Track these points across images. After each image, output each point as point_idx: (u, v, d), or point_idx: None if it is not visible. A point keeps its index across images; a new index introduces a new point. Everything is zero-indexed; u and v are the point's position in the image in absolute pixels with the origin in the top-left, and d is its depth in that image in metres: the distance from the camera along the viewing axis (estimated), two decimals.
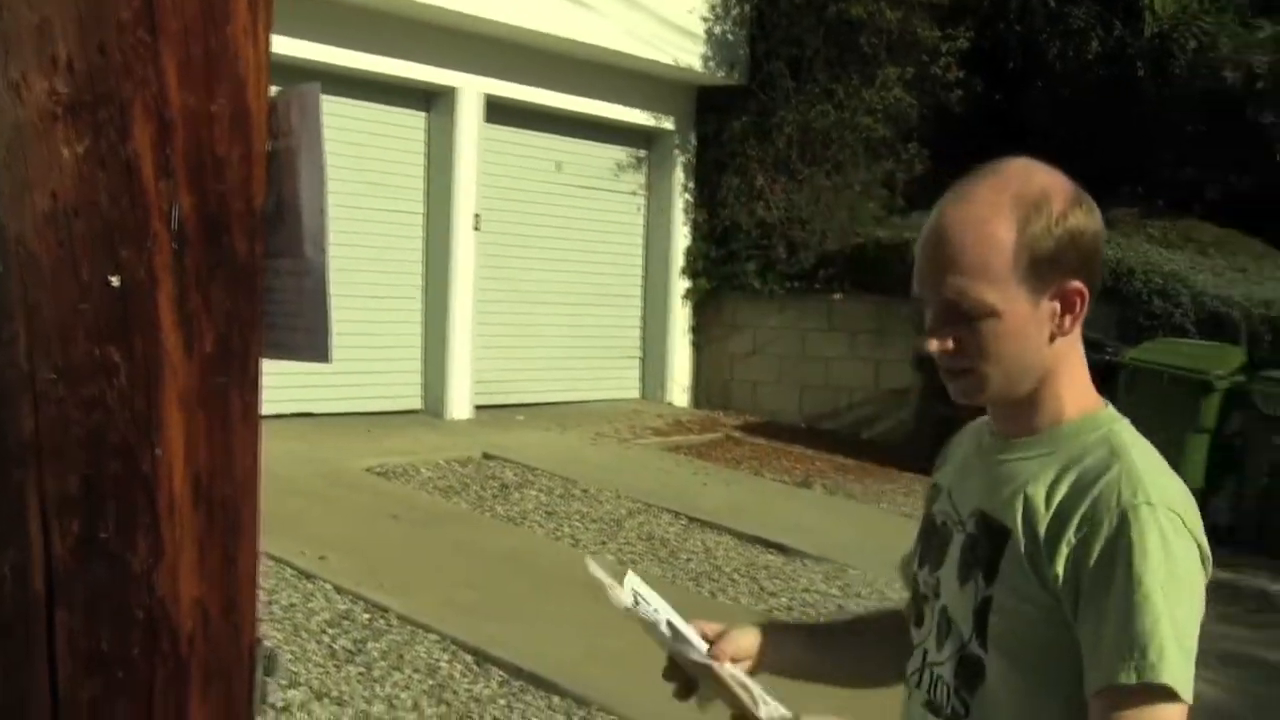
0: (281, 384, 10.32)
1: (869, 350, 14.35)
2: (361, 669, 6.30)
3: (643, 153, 15.37)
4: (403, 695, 6.07)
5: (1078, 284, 1.93)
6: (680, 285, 15.40)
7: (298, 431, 10.71)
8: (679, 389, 15.45)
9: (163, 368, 1.54)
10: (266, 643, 1.78)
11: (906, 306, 12.75)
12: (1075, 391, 2.01)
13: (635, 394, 15.37)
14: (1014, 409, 2.02)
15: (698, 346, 15.58)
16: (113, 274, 1.50)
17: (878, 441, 13.84)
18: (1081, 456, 1.93)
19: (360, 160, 11.94)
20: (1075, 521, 1.86)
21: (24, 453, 1.53)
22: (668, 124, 15.19)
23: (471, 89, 12.98)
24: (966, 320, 1.92)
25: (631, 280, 15.39)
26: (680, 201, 15.38)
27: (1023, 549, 1.90)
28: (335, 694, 5.98)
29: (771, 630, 2.27)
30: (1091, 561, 1.83)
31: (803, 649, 2.36)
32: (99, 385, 1.52)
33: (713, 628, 2.26)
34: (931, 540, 2.14)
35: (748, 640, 2.23)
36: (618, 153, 15.09)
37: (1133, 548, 1.80)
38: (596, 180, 14.83)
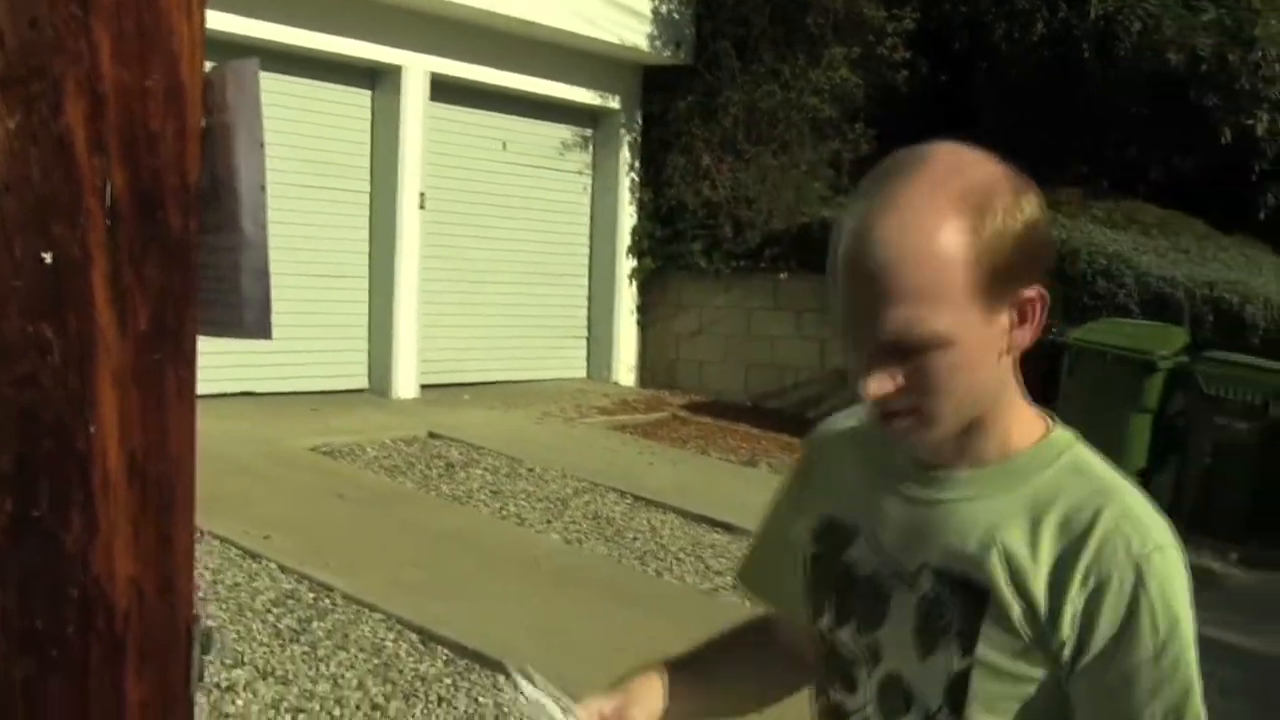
0: (225, 363, 10.24)
1: (815, 329, 14.38)
2: (306, 648, 6.28)
3: (589, 132, 15.33)
4: (348, 674, 6.06)
5: (1036, 291, 1.65)
6: (626, 265, 15.38)
7: (241, 411, 10.66)
8: (625, 368, 15.46)
9: (96, 345, 1.53)
10: (205, 621, 1.77)
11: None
12: (1021, 411, 1.76)
13: (581, 373, 15.37)
14: (953, 444, 1.73)
15: (643, 326, 15.58)
16: (45, 250, 1.49)
17: (823, 421, 13.87)
18: (1055, 495, 1.68)
19: (305, 138, 11.88)
20: (1078, 577, 1.63)
21: None
22: (613, 103, 15.16)
23: (417, 67, 12.91)
24: (912, 355, 1.61)
25: (578, 259, 15.37)
26: (626, 181, 15.36)
27: (1015, 614, 1.66)
28: (280, 673, 5.96)
29: (667, 685, 2.02)
30: (1105, 621, 1.63)
31: (699, 693, 2.07)
32: (32, 362, 1.51)
33: (610, 704, 1.96)
34: (851, 594, 1.83)
35: (655, 705, 1.98)
36: (564, 132, 15.05)
37: (1155, 606, 1.62)
38: (542, 159, 14.79)
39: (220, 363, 9.14)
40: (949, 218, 1.57)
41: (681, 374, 15.32)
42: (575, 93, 14.68)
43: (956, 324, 1.59)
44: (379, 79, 12.93)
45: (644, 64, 15.19)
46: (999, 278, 1.60)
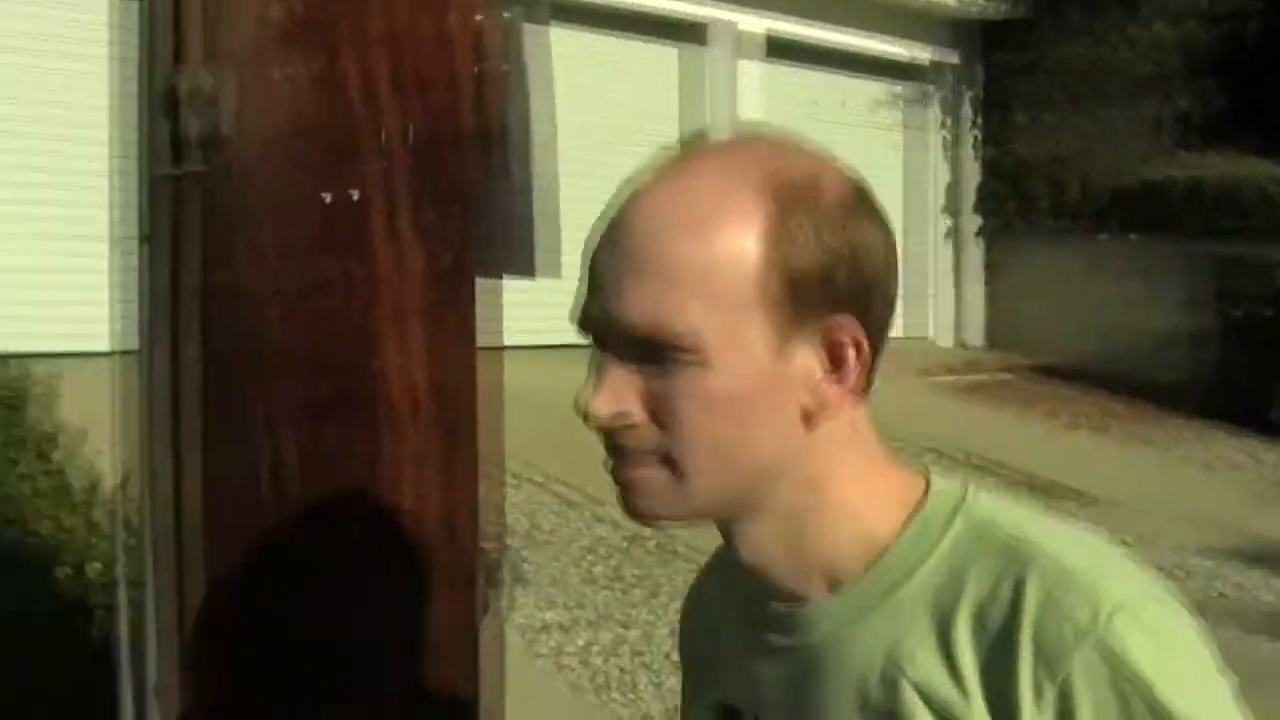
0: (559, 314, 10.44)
1: (1160, 292, 13.76)
2: (619, 594, 6.40)
3: (929, 89, 15.14)
4: (660, 621, 6.15)
5: (849, 321, 1.15)
6: (970, 223, 15.15)
7: (575, 359, 10.84)
8: (964, 328, 15.22)
9: (378, 285, 1.60)
10: (497, 555, 1.82)
11: (1197, 246, 12.35)
12: (874, 486, 1.22)
13: (919, 333, 15.15)
14: (783, 556, 1.21)
15: (987, 285, 15.30)
16: (332, 192, 1.56)
17: (1169, 385, 13.29)
18: (960, 579, 1.16)
19: (620, 94, 12.04)
20: (1027, 695, 1.09)
21: (250, 367, 1.60)
22: (953, 59, 14.93)
23: (747, 24, 12.94)
24: (655, 365, 1.13)
25: (920, 218, 15.16)
26: (968, 138, 15.12)
27: None
28: (593, 617, 6.10)
29: None
30: None
31: None
32: (319, 301, 1.58)
33: None
34: None
35: None
36: (901, 88, 14.89)
37: (1154, 693, 1.07)
38: (877, 117, 14.66)
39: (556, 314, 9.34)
40: (748, 195, 1.13)
41: (1016, 334, 14.96)
42: (913, 49, 14.51)
43: (724, 334, 1.12)
44: (703, 35, 12.98)
45: (984, 19, 14.89)
46: (801, 293, 1.13)
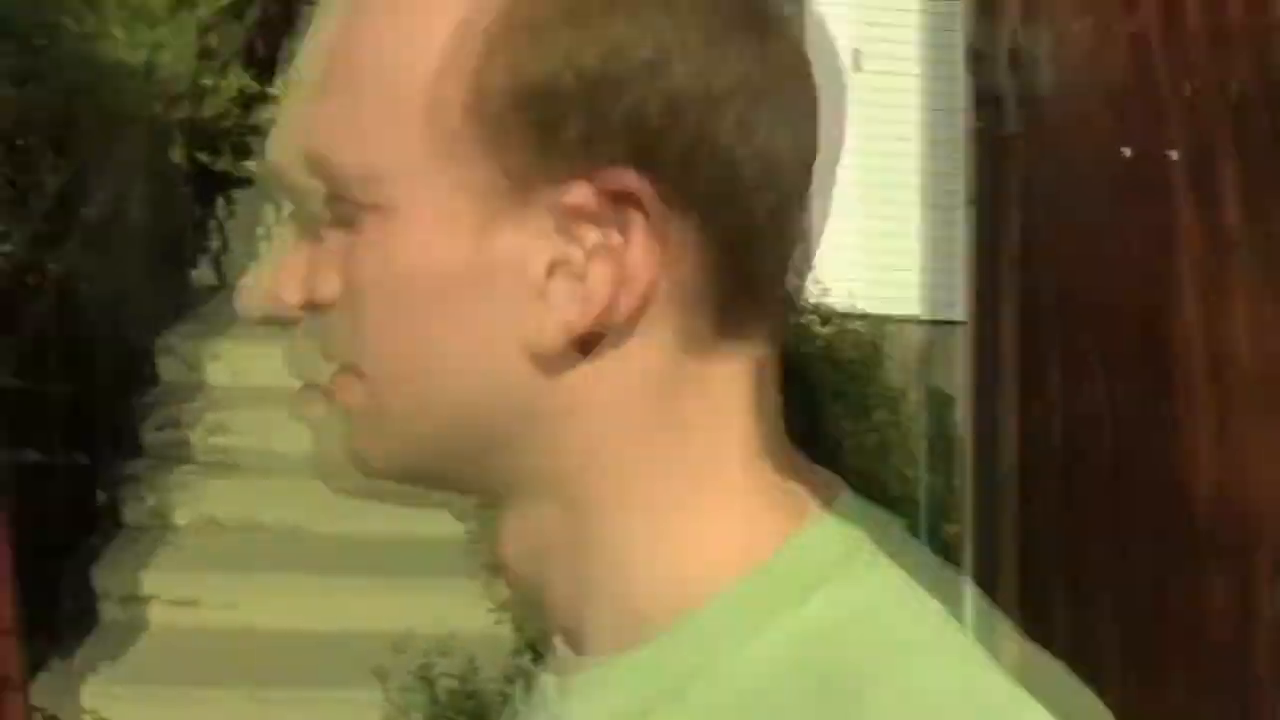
0: None
1: None
2: None
3: None
4: None
5: (607, 181, 0.63)
6: None
7: None
8: None
9: (1176, 237, 1.56)
10: None
11: None
12: (710, 512, 0.67)
13: None
14: (538, 574, 0.71)
15: None
16: (1133, 147, 1.55)
17: None
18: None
19: None
20: None
21: (1059, 324, 1.62)
22: None
23: None
24: (339, 230, 0.68)
25: None
26: None
27: None
28: None
29: None
30: None
31: None
32: (1114, 251, 1.57)
33: None
34: None
35: None
36: None
37: None
38: None
39: None
40: None
41: None
42: None
43: (399, 177, 0.66)
44: None
45: None
46: (506, 124, 0.64)
